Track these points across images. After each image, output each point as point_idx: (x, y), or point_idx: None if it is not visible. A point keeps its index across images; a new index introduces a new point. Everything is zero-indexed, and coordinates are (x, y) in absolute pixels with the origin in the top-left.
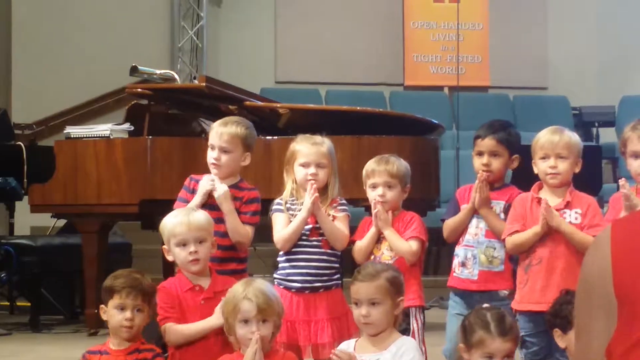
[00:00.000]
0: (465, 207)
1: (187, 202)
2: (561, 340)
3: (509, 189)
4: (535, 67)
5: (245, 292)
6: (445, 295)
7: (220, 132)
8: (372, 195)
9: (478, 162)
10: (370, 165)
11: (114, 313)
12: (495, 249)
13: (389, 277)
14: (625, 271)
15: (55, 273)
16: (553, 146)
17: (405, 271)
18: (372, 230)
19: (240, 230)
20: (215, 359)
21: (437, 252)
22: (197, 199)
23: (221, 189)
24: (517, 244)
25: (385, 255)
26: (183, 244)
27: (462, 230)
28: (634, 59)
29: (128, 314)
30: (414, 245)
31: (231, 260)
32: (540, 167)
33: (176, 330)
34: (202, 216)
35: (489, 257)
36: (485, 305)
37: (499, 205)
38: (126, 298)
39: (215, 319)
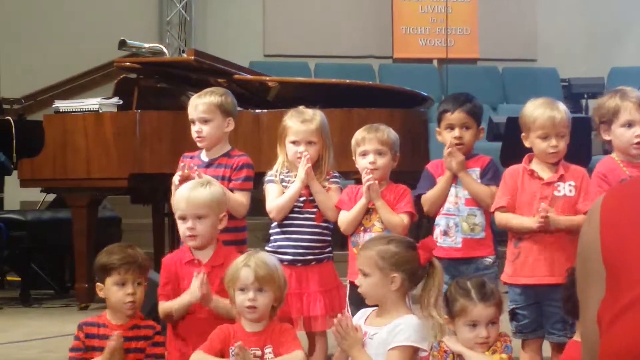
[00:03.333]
0: (442, 178)
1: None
2: None
3: (479, 157)
4: (525, 39)
5: (245, 260)
6: None
7: (196, 104)
8: (363, 163)
9: (448, 136)
10: (360, 133)
11: (114, 290)
12: (476, 216)
13: (381, 250)
14: (611, 239)
15: (45, 248)
16: (554, 126)
17: None
18: (362, 202)
19: (231, 202)
20: (205, 332)
21: (427, 224)
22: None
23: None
24: (506, 224)
25: (376, 227)
26: (182, 218)
27: (443, 201)
28: (623, 30)
29: (130, 289)
30: (405, 219)
31: (228, 231)
32: (540, 146)
33: (162, 308)
34: (205, 192)
35: (470, 224)
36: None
37: (474, 172)
38: (125, 274)
39: (188, 296)
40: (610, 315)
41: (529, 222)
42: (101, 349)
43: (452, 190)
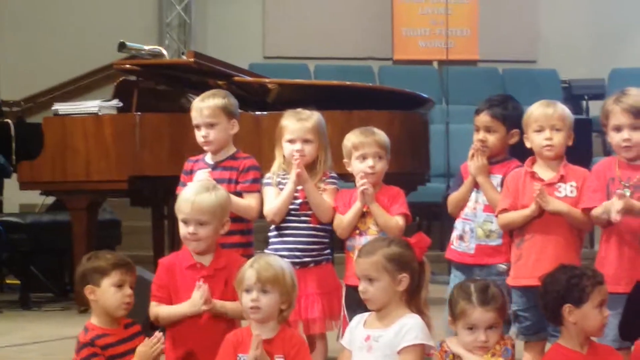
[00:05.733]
0: (466, 181)
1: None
2: (572, 315)
3: (507, 163)
4: (525, 41)
5: (252, 262)
6: (436, 270)
7: (200, 108)
8: (361, 167)
9: (475, 137)
10: (357, 137)
11: (112, 291)
12: (492, 222)
13: (387, 253)
14: None
15: (44, 251)
16: (548, 118)
17: None
18: (357, 205)
19: (239, 206)
20: (207, 336)
21: (428, 227)
22: None
23: (200, 176)
24: (508, 222)
25: (372, 229)
26: (185, 222)
27: (464, 204)
28: (624, 31)
29: (128, 290)
30: (400, 221)
31: (235, 233)
32: (535, 140)
33: (155, 311)
34: (210, 198)
35: (486, 231)
36: (476, 278)
37: (496, 179)
38: (125, 274)
39: (187, 306)
40: None
41: (528, 209)
42: (120, 355)
43: (473, 195)
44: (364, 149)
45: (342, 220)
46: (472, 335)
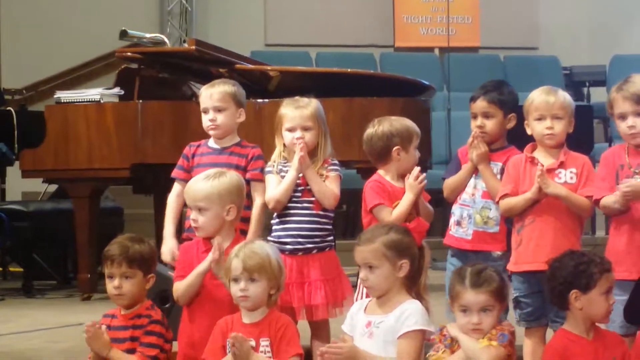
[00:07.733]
0: (465, 166)
1: (184, 169)
2: (578, 301)
3: (507, 151)
4: (526, 27)
5: (236, 251)
6: (438, 257)
7: (210, 92)
8: (416, 156)
9: (473, 124)
10: (415, 128)
11: (107, 282)
12: (491, 209)
13: (386, 240)
14: None
15: (47, 238)
16: (549, 107)
17: None
18: (410, 197)
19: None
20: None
21: None
22: None
23: None
24: (510, 207)
25: None
26: (190, 209)
27: (462, 189)
28: (625, 17)
29: (115, 282)
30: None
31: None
32: (536, 128)
33: (177, 287)
34: (206, 186)
35: (484, 217)
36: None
37: (496, 166)
38: (111, 266)
39: (202, 265)
40: None
41: (529, 192)
42: (113, 340)
43: (472, 181)
44: (418, 140)
45: (398, 213)
46: (465, 318)
